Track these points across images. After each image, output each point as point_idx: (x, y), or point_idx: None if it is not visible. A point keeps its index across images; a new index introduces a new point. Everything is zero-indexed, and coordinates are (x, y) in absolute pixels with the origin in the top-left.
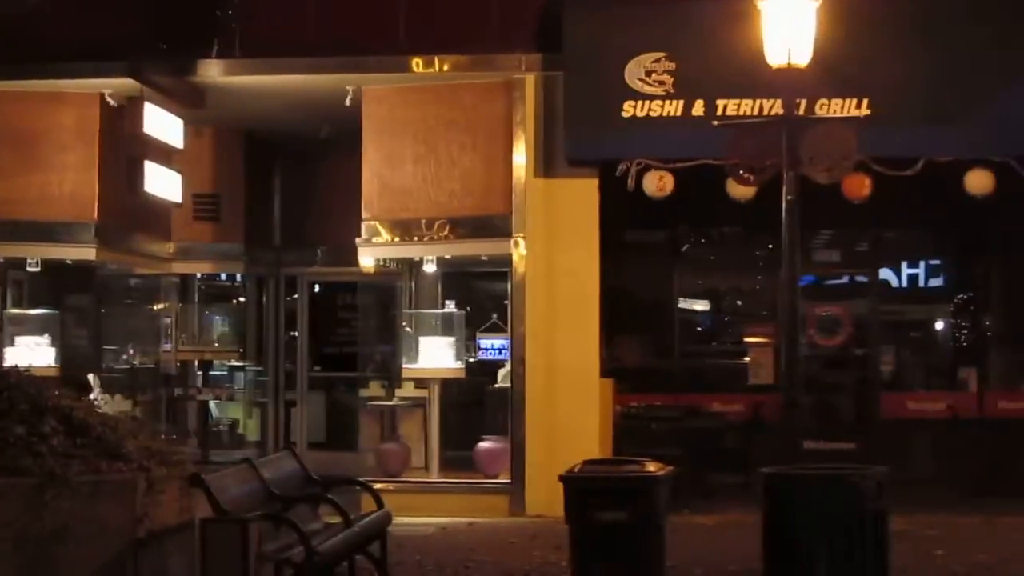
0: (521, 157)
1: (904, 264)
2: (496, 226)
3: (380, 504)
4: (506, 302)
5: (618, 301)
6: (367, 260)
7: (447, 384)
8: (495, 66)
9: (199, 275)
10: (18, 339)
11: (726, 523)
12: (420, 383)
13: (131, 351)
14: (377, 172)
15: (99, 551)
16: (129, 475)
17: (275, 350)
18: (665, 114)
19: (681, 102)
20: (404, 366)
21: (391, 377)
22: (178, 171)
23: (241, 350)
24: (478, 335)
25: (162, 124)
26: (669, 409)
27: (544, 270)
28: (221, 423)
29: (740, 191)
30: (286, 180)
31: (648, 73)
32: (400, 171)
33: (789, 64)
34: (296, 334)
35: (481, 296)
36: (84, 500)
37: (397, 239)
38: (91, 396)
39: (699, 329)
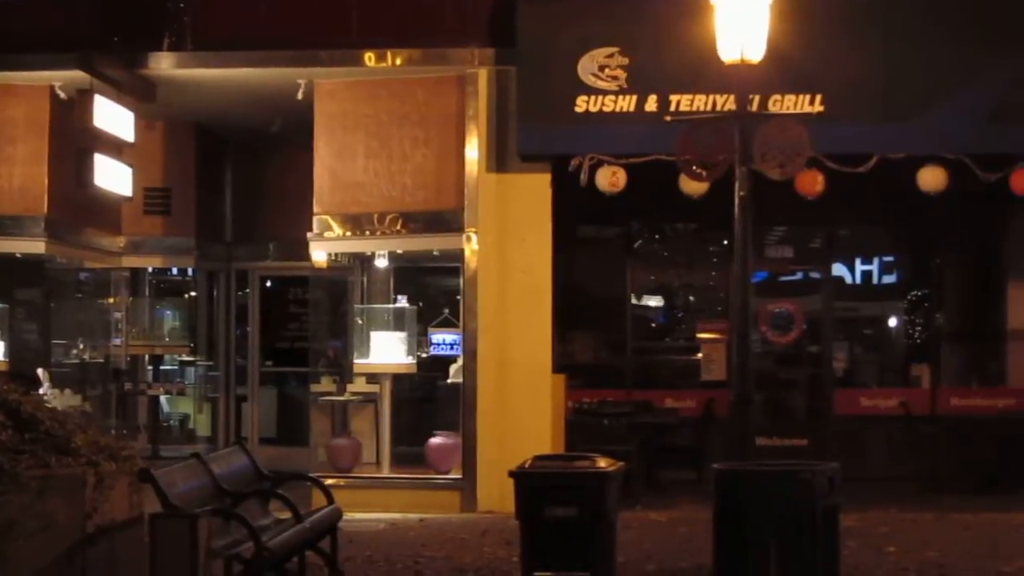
0: (474, 152)
1: (858, 261)
2: (448, 221)
3: (331, 500)
4: (458, 297)
5: (571, 296)
6: (319, 255)
7: (398, 379)
8: (448, 60)
9: (150, 269)
10: None
11: (678, 519)
12: (371, 378)
13: (81, 346)
14: (329, 166)
15: (47, 547)
16: (78, 470)
17: (226, 345)
18: (618, 109)
19: (634, 97)
20: (355, 361)
21: (342, 372)
22: (129, 165)
23: (192, 345)
24: (430, 330)
25: (112, 117)
26: (621, 405)
27: (496, 265)
28: (172, 418)
29: (693, 187)
30: (238, 174)
31: (601, 68)
32: (352, 165)
33: (742, 60)
34: (248, 329)
35: (433, 291)
36: (32, 495)
37: (349, 234)
38: (40, 391)
39: (652, 325)
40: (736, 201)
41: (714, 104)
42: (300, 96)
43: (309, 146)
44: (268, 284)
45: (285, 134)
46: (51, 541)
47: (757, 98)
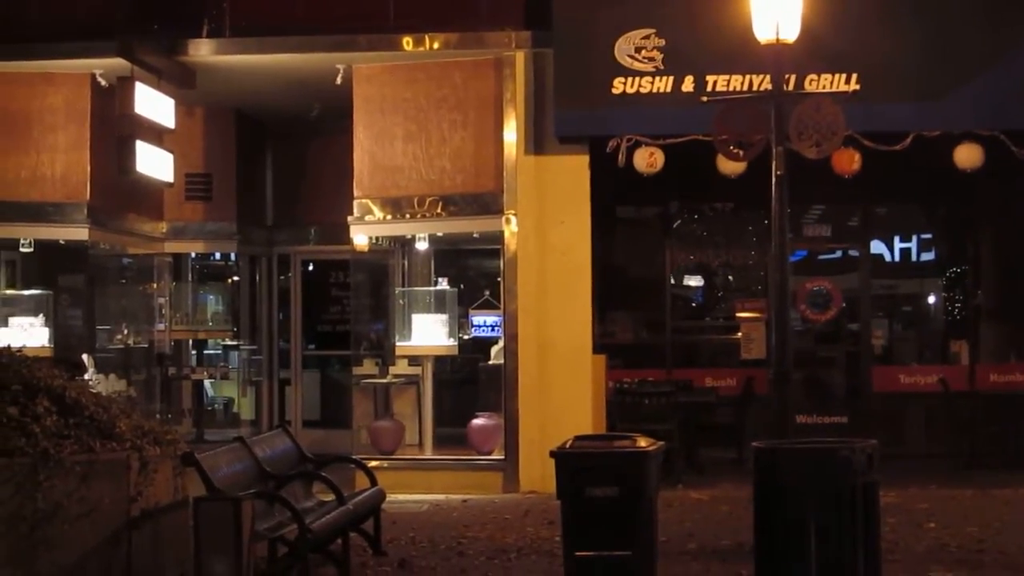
0: (512, 134)
1: (895, 238)
2: (487, 203)
3: (374, 481)
4: (498, 279)
5: (610, 277)
6: (360, 238)
7: (440, 361)
8: (485, 43)
9: (192, 255)
10: (11, 320)
11: (718, 498)
12: (413, 360)
13: (125, 331)
14: (368, 150)
15: (92, 530)
16: (122, 455)
17: (269, 329)
18: (655, 90)
19: (671, 78)
20: (397, 344)
21: (384, 355)
22: (169, 151)
23: (235, 329)
24: (471, 312)
25: (153, 104)
26: (661, 384)
27: (536, 247)
28: (216, 402)
29: (730, 167)
30: (278, 159)
31: (638, 49)
32: (391, 149)
33: (777, 39)
34: (290, 313)
35: (473, 273)
36: (77, 480)
37: (389, 217)
38: (85, 376)
39: (691, 305)
40: (773, 180)
41: (750, 84)
42: (339, 81)
43: (348, 130)
44: (310, 268)
45: (324, 119)
46: (96, 525)
47: (793, 77)
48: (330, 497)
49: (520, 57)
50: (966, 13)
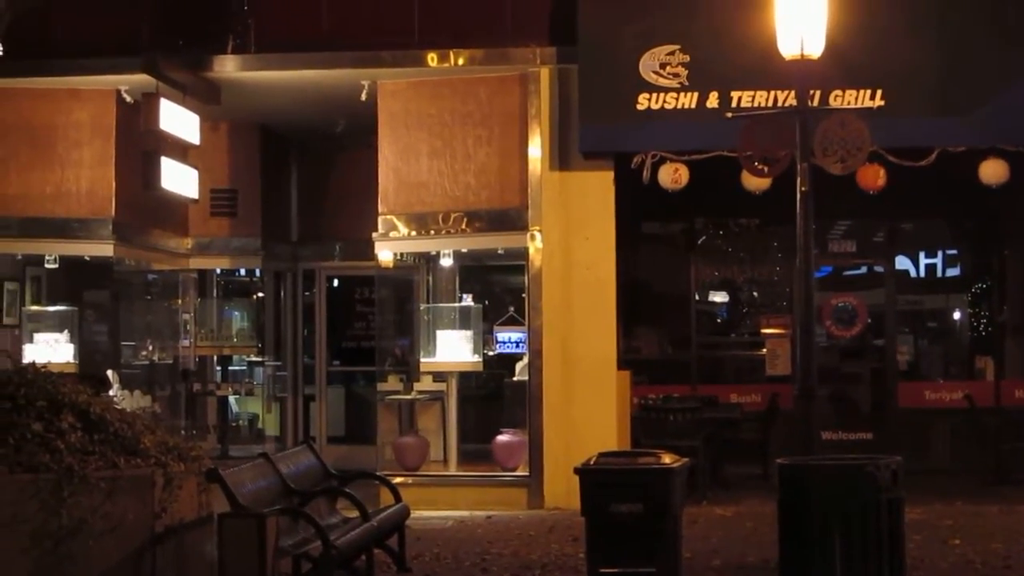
0: (536, 150)
1: (921, 254)
2: (512, 219)
3: (398, 498)
4: (523, 295)
5: (635, 293)
6: (384, 254)
7: (465, 377)
8: (509, 59)
9: (217, 270)
10: (37, 336)
11: (744, 514)
12: (438, 376)
13: (150, 347)
14: (393, 166)
15: (117, 546)
16: (146, 471)
17: (293, 345)
18: (679, 106)
19: (695, 94)
20: (422, 360)
21: (409, 371)
22: (194, 167)
23: (260, 345)
24: (495, 328)
25: (178, 120)
26: (686, 400)
27: (560, 263)
28: (240, 418)
29: (755, 183)
30: (303, 175)
31: (662, 65)
32: (416, 165)
33: (802, 55)
34: (315, 329)
35: (498, 289)
36: (102, 496)
37: (414, 233)
38: (110, 392)
39: (716, 320)
40: (798, 196)
41: (775, 100)
42: (364, 97)
43: (373, 146)
44: (334, 284)
45: (349, 134)
46: (121, 541)
47: (817, 93)
48: (354, 513)
49: (545, 73)
50: (989, 29)
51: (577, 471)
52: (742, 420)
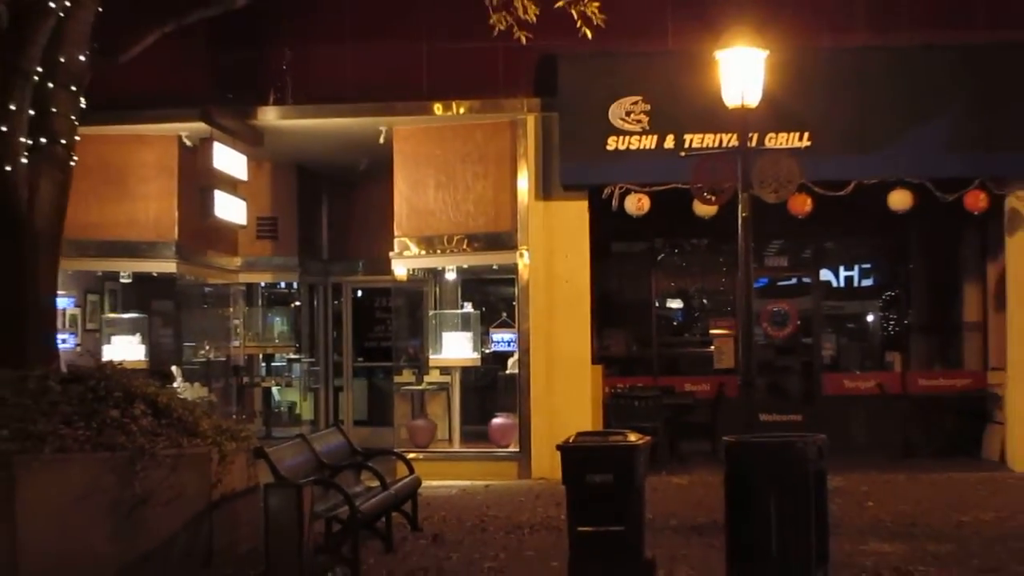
0: (524, 183)
1: (841, 267)
2: (504, 240)
3: (411, 470)
4: (514, 303)
5: (606, 301)
6: (399, 270)
7: (466, 371)
8: (501, 109)
9: (262, 284)
10: (114, 338)
11: (696, 483)
12: (444, 371)
13: (206, 347)
14: (406, 197)
15: (180, 512)
16: (204, 449)
17: (325, 345)
18: (642, 147)
19: (655, 136)
20: (431, 356)
21: (420, 366)
22: (242, 198)
23: (297, 345)
24: (491, 330)
25: (229, 160)
26: (648, 390)
27: (544, 276)
28: (281, 406)
29: (704, 209)
30: (332, 204)
31: (628, 113)
32: (425, 196)
33: (743, 105)
34: (342, 331)
35: (493, 298)
36: (167, 470)
37: (423, 252)
38: (173, 384)
39: (673, 323)
40: (740, 220)
41: (720, 141)
42: (382, 140)
43: (389, 180)
44: (358, 294)
45: (370, 171)
46: (183, 507)
47: (755, 135)
48: (375, 483)
49: (531, 120)
50: (897, 81)
51: (559, 448)
52: (694, 405)
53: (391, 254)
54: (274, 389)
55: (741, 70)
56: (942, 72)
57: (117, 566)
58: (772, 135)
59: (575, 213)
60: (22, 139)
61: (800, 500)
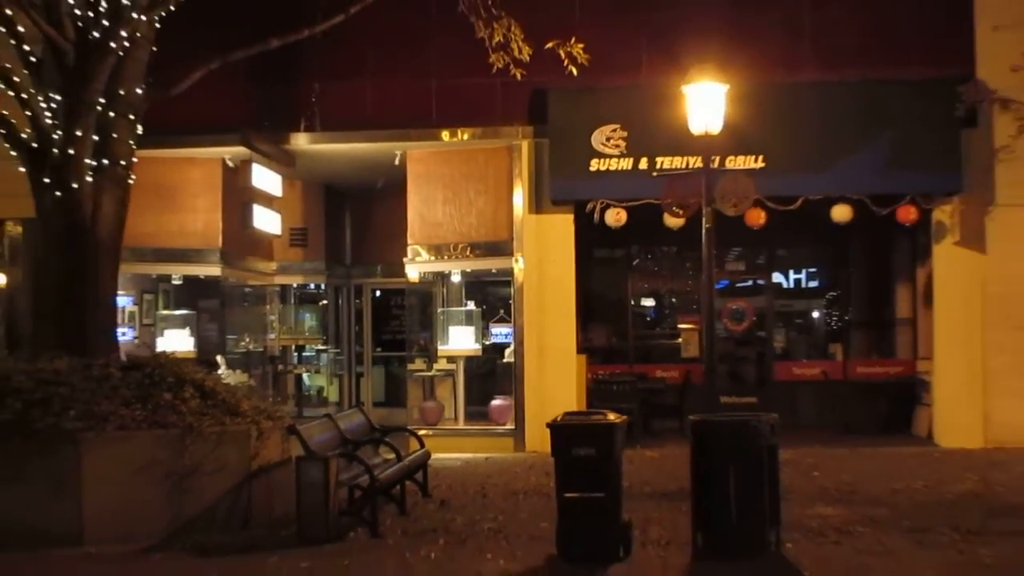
0: (519, 199)
1: (791, 271)
2: (502, 248)
3: (422, 445)
4: (510, 301)
5: (589, 300)
6: (412, 273)
7: (469, 360)
8: (500, 135)
9: (294, 285)
10: (167, 332)
11: (666, 455)
12: (450, 359)
13: (246, 339)
14: (418, 210)
15: (223, 481)
16: (245, 427)
17: (348, 337)
18: (620, 168)
19: (631, 159)
20: (439, 347)
21: (430, 355)
22: (277, 212)
23: (324, 338)
24: (490, 325)
25: (265, 179)
26: (625, 376)
27: (536, 278)
28: (311, 389)
29: (673, 221)
30: (354, 216)
31: (607, 139)
32: (434, 210)
33: (706, 132)
34: (363, 326)
35: (492, 298)
36: (212, 445)
37: (432, 258)
38: (218, 371)
39: (646, 319)
40: (703, 231)
41: (687, 163)
42: (397, 162)
43: (403, 196)
44: (377, 294)
45: (386, 188)
46: (226, 477)
47: (717, 158)
48: (391, 456)
49: (525, 145)
50: (841, 110)
51: (549, 426)
52: (665, 389)
53: (405, 259)
54: (304, 375)
55: (705, 102)
56: (878, 103)
57: (169, 527)
58: (732, 157)
59: (563, 224)
60: (87, 161)
61: (755, 470)
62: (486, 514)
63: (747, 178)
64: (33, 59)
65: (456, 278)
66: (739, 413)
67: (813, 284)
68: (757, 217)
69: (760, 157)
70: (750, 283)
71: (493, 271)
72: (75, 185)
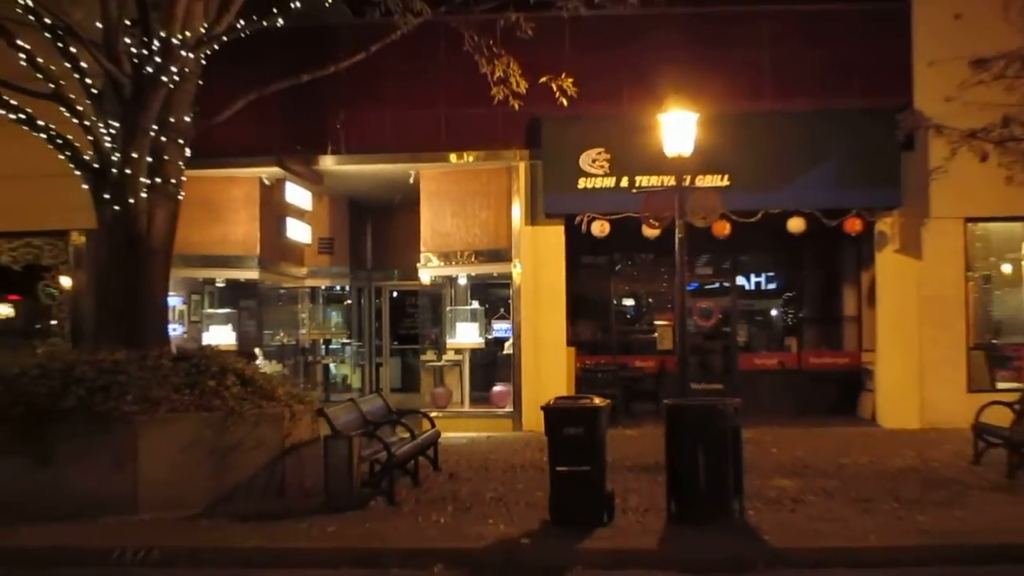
0: (517, 212)
1: (752, 275)
2: (502, 255)
3: (433, 425)
4: (509, 301)
5: (577, 300)
6: (424, 276)
7: (474, 352)
8: (500, 157)
9: (322, 287)
10: (211, 327)
11: (644, 434)
12: (457, 351)
13: (281, 334)
14: (430, 222)
15: (261, 457)
16: (279, 409)
17: (369, 332)
18: (604, 186)
19: (614, 178)
20: (447, 341)
21: (440, 348)
22: (308, 224)
23: (348, 332)
24: (492, 321)
25: (297, 195)
26: (609, 365)
27: (531, 281)
28: (336, 377)
29: (650, 232)
30: (374, 228)
31: (593, 160)
32: (443, 222)
33: (679, 154)
34: (381, 322)
35: (493, 298)
36: (251, 425)
37: (442, 263)
38: (256, 362)
39: (627, 316)
40: (677, 240)
41: (662, 181)
42: (411, 180)
43: (417, 210)
44: (394, 295)
45: (402, 203)
46: (263, 454)
47: (689, 177)
48: (406, 435)
49: (522, 165)
50: (796, 136)
51: (543, 408)
52: (643, 377)
53: (418, 265)
54: (331, 365)
55: (678, 128)
56: (828, 129)
57: (213, 497)
58: (701, 176)
59: (554, 235)
60: (142, 179)
61: (721, 447)
62: (488, 485)
63: (714, 194)
64: (95, 91)
65: (462, 281)
66: (707, 398)
67: (771, 286)
68: (723, 228)
69: (726, 176)
70: (717, 285)
71: (494, 275)
72: (131, 201)
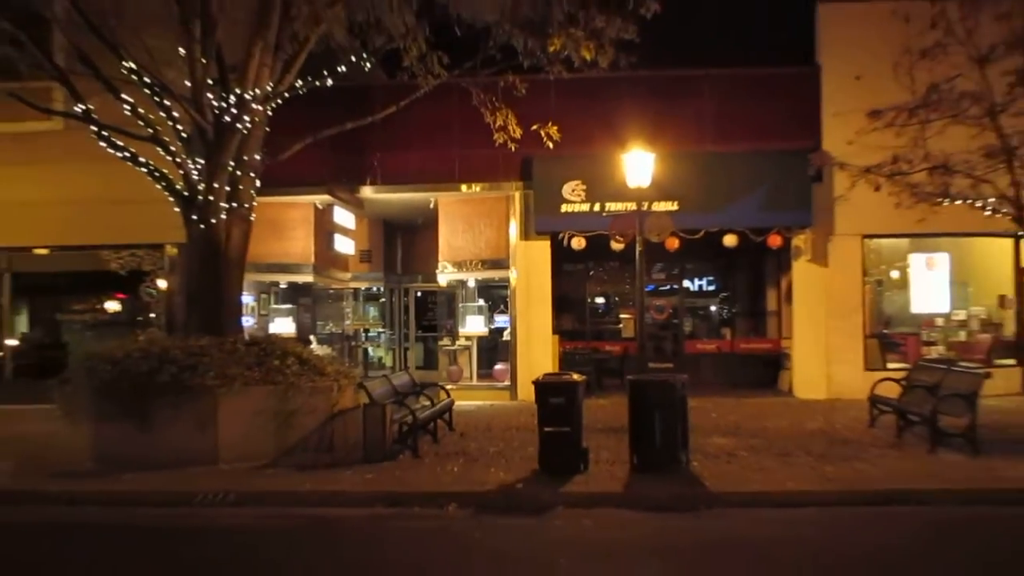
0: (514, 230)
1: (696, 279)
2: (502, 263)
3: (448, 395)
4: (507, 300)
5: (560, 298)
6: (442, 280)
7: (480, 338)
8: (501, 188)
9: (363, 288)
10: (276, 319)
11: (613, 403)
12: (467, 338)
13: (330, 324)
14: (446, 238)
15: (314, 421)
16: (329, 383)
17: (399, 323)
18: (581, 210)
19: (589, 204)
20: (460, 330)
21: (454, 335)
22: (352, 239)
23: (383, 323)
24: (494, 315)
25: (343, 217)
26: (584, 349)
27: (524, 284)
28: (373, 358)
29: (617, 246)
30: (403, 242)
31: (573, 190)
32: (457, 237)
33: (639, 185)
34: (408, 316)
35: (495, 298)
36: (306, 396)
37: (455, 270)
38: (311, 346)
39: (599, 311)
40: (637, 252)
41: (626, 206)
42: (431, 206)
43: (435, 228)
44: (418, 294)
45: (424, 223)
46: (316, 418)
47: (647, 203)
48: (427, 403)
49: (517, 194)
50: (731, 171)
51: (534, 383)
52: (611, 358)
53: (437, 271)
54: (370, 348)
55: (638, 164)
56: (756, 165)
57: (277, 452)
58: (656, 202)
59: (543, 248)
60: (222, 204)
61: (672, 413)
62: (491, 442)
63: (667, 217)
64: (184, 135)
65: (471, 283)
66: (662, 374)
67: (711, 288)
68: (673, 243)
69: (676, 202)
70: (669, 287)
71: (496, 279)
72: (213, 221)
